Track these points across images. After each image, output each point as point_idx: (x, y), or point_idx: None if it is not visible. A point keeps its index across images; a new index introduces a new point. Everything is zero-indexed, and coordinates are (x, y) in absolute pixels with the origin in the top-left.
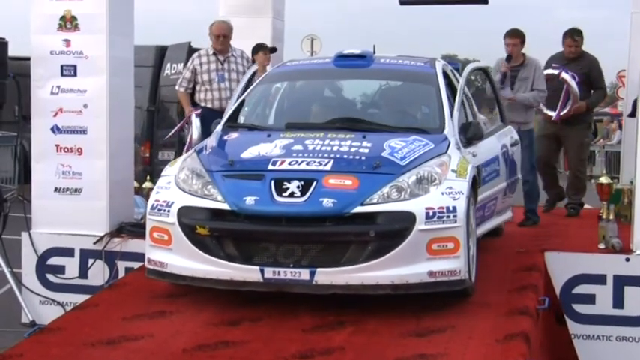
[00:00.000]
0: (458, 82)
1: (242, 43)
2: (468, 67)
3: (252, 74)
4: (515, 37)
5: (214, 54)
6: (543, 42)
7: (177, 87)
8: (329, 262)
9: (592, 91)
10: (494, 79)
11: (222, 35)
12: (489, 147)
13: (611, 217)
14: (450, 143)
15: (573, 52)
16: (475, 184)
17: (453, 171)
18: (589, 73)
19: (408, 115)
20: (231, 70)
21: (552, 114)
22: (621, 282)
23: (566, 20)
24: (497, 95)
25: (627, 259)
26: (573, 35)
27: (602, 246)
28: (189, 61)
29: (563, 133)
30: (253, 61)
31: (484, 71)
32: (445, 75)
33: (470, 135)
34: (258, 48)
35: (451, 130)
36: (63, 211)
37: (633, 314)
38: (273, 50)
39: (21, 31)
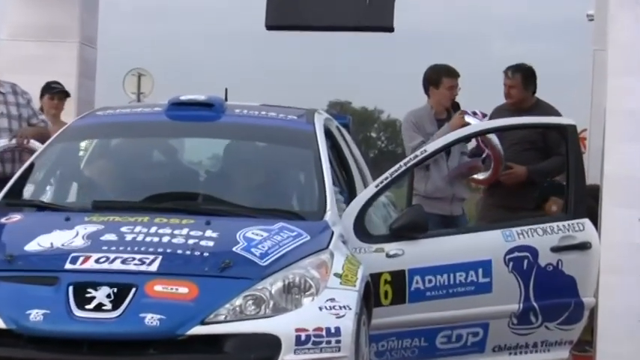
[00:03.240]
0: (347, 143)
1: (35, 79)
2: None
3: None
4: (457, 75)
5: None
6: (481, 84)
7: None
8: None
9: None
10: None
11: None
12: (462, 244)
13: None
14: (333, 234)
15: (507, 94)
16: (369, 297)
17: (337, 275)
18: (544, 131)
19: (273, 192)
20: (1, 114)
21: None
22: None
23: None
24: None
25: None
26: (508, 72)
27: None
28: None
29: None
30: (42, 109)
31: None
32: (328, 134)
33: (400, 224)
34: (45, 89)
35: (334, 214)
36: None
37: None
38: (64, 94)
39: None
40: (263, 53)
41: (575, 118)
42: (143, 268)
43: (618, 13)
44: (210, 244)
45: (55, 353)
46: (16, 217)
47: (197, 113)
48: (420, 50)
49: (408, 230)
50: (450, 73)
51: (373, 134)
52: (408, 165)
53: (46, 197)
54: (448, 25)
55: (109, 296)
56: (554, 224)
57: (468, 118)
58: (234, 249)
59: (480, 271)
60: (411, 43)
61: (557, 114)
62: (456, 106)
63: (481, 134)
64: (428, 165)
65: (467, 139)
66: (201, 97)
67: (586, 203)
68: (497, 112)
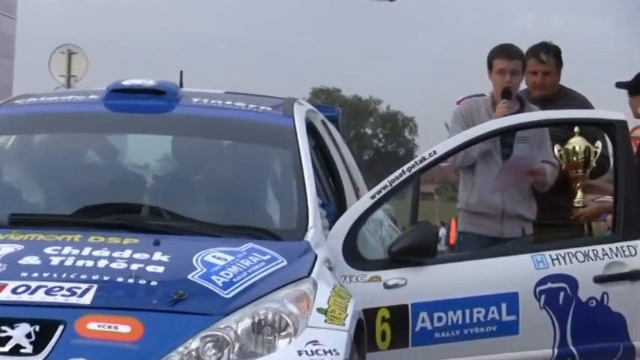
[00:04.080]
0: (334, 142)
1: None
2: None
3: None
4: (515, 57)
5: None
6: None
7: None
8: None
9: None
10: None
11: None
12: (481, 273)
13: None
14: (316, 258)
15: (539, 84)
16: (362, 338)
17: (321, 311)
18: (571, 127)
19: (241, 205)
20: None
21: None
22: None
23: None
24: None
25: None
26: (539, 53)
27: None
28: None
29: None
30: None
31: None
32: (311, 130)
33: (402, 246)
34: None
35: (319, 232)
36: None
37: None
38: None
39: None
40: (228, 26)
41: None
42: (73, 300)
43: None
44: (160, 270)
45: None
46: None
47: (144, 103)
48: (429, 24)
49: (411, 254)
50: (503, 53)
51: (368, 130)
52: (413, 171)
53: None
54: None
55: (29, 336)
56: (599, 247)
57: None
58: (189, 276)
59: (504, 306)
60: (416, 15)
61: (587, 104)
62: (506, 94)
63: (514, 129)
64: (474, 166)
65: (495, 135)
66: (149, 83)
67: (639, 221)
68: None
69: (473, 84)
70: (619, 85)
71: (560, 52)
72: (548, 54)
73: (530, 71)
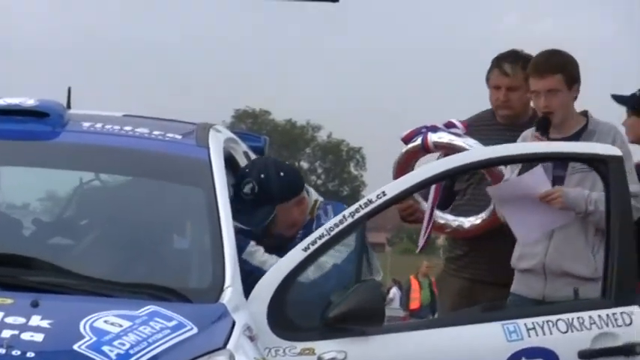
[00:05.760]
0: None
1: None
2: None
3: None
4: (552, 71)
5: None
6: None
7: None
8: None
9: None
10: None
11: None
12: (439, 345)
13: None
14: (234, 325)
15: (503, 102)
16: None
17: None
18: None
19: (141, 257)
20: None
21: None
22: None
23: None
24: None
25: None
26: (502, 64)
27: None
28: None
29: (474, 296)
30: None
31: None
32: (231, 163)
33: (341, 311)
34: None
35: (238, 292)
36: None
37: None
38: None
39: None
40: (131, 26)
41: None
42: None
43: None
44: (38, 338)
45: None
46: None
47: (22, 127)
48: (379, 27)
49: (353, 321)
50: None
51: (304, 164)
52: (357, 216)
53: None
54: None
55: None
56: (585, 315)
57: (434, 137)
58: (75, 347)
59: None
60: (367, 21)
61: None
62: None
63: (475, 168)
64: None
65: (460, 172)
66: (28, 102)
67: (636, 281)
68: (475, 124)
69: (435, 110)
70: (617, 99)
71: (524, 58)
72: (515, 65)
73: (492, 86)
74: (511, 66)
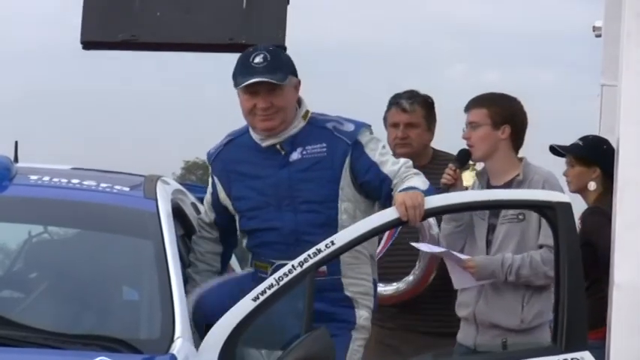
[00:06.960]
0: None
1: None
2: None
3: None
4: (478, 105)
5: None
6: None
7: None
8: None
9: None
10: None
11: None
12: None
13: None
14: None
15: (401, 139)
16: None
17: None
18: None
19: (89, 308)
20: None
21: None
22: None
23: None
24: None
25: None
26: (400, 100)
27: None
28: None
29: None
30: None
31: None
32: (179, 215)
33: None
34: None
35: (188, 342)
36: None
37: None
38: None
39: None
40: (80, 77)
41: None
42: None
43: (635, 29)
44: None
45: None
46: None
47: None
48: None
49: None
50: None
51: None
52: (305, 266)
53: None
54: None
55: None
56: None
57: None
58: None
59: None
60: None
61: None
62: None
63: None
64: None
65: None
66: None
67: (586, 327)
68: None
69: None
70: (557, 150)
71: (432, 104)
72: (413, 102)
73: (390, 123)
74: (409, 102)
